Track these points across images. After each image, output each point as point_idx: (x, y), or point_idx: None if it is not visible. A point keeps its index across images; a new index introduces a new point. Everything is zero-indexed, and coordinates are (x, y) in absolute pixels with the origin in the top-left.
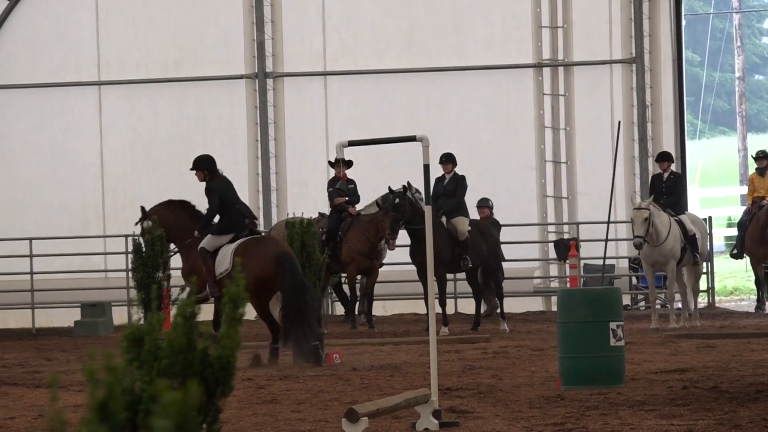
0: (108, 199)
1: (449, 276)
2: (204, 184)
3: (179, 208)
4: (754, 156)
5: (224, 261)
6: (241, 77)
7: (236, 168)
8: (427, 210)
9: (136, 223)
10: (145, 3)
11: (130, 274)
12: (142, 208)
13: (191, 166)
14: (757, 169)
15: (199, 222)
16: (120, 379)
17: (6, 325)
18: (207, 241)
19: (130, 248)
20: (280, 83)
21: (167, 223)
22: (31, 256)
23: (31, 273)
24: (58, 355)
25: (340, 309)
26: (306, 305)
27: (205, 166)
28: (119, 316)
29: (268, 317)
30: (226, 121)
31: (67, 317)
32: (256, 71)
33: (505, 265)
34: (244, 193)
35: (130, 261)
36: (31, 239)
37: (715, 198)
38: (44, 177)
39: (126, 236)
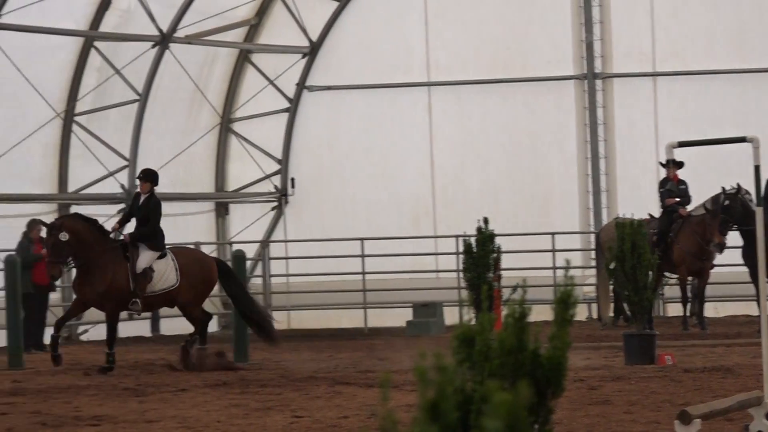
0: (438, 199)
1: None
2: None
3: (85, 221)
4: None
5: (167, 277)
6: (569, 78)
7: (565, 169)
8: (758, 212)
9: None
10: (474, 4)
11: (461, 275)
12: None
13: (141, 176)
14: None
15: (104, 235)
16: (451, 379)
17: (339, 324)
18: (147, 258)
19: (461, 248)
20: (609, 84)
21: (78, 235)
22: (363, 256)
23: (363, 273)
24: (391, 354)
25: (672, 310)
26: (250, 298)
27: (154, 179)
28: (451, 316)
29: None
30: (554, 122)
31: (399, 317)
32: (585, 72)
33: None
34: (573, 194)
35: (461, 261)
36: (363, 239)
37: None
38: (375, 177)
39: (457, 236)
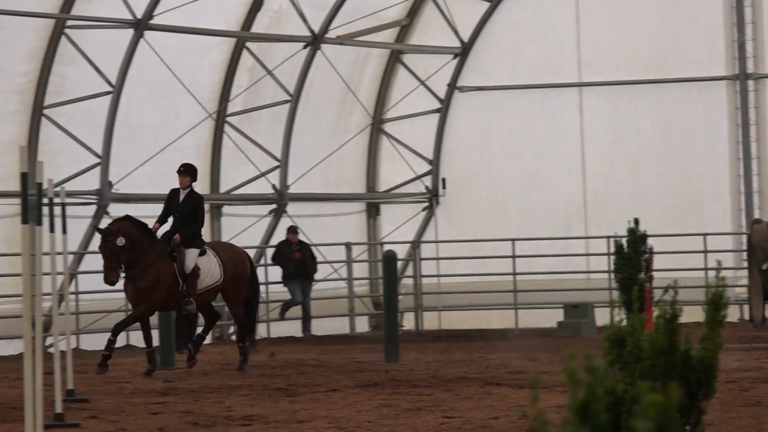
0: (589, 199)
1: None
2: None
3: (138, 224)
4: None
5: (212, 273)
6: (721, 79)
7: (717, 170)
8: None
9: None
10: (625, 4)
11: (612, 275)
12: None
13: (182, 170)
14: None
15: (154, 238)
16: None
17: (490, 325)
18: (193, 256)
19: (612, 249)
20: (762, 85)
21: (133, 239)
22: (513, 257)
23: (514, 274)
24: (542, 355)
25: None
26: (258, 299)
27: (194, 173)
28: (602, 317)
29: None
30: (705, 122)
31: (549, 318)
32: (737, 72)
33: None
34: (725, 195)
35: (611, 262)
36: (513, 240)
37: None
38: (526, 178)
39: (608, 237)
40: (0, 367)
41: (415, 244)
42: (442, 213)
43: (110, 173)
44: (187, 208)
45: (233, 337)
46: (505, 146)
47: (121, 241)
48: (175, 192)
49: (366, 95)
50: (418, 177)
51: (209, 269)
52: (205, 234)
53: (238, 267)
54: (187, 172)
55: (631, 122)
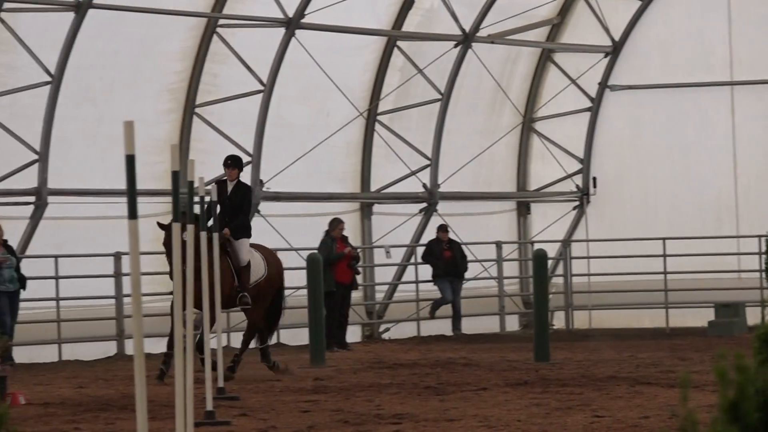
0: (741, 198)
1: None
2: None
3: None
4: None
5: (259, 267)
6: None
7: None
8: None
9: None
10: None
11: (763, 275)
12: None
13: (229, 162)
14: None
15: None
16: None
17: (640, 324)
18: (245, 250)
19: (764, 248)
20: None
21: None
22: (664, 255)
23: (665, 273)
24: (692, 354)
25: None
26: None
27: (242, 165)
28: (753, 316)
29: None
30: None
31: (700, 317)
32: None
33: None
34: None
35: (763, 261)
36: (664, 239)
37: None
38: (677, 176)
39: (759, 236)
40: (151, 364)
41: (566, 242)
42: (592, 212)
43: (261, 172)
44: (236, 200)
45: (384, 336)
46: (656, 145)
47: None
48: (222, 184)
49: (516, 94)
50: (569, 176)
51: (257, 264)
52: (356, 232)
53: (274, 268)
54: (235, 164)
55: None
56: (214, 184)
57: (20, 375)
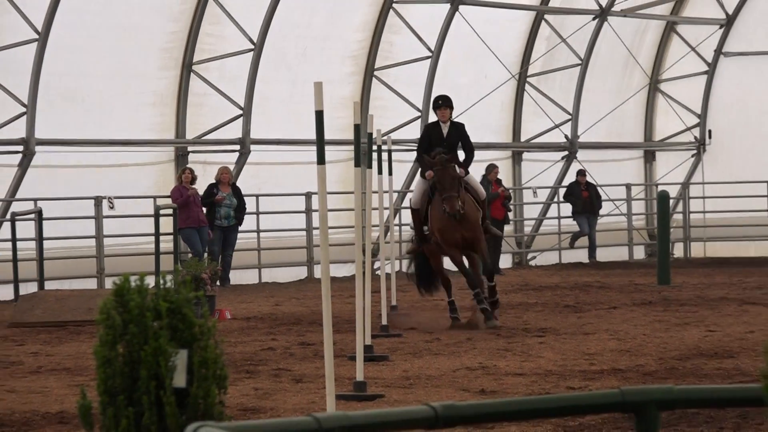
0: None
1: None
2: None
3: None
4: None
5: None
6: None
7: None
8: None
9: None
10: None
11: None
12: None
13: (440, 102)
14: None
15: None
16: None
17: (747, 254)
18: (478, 183)
19: None
20: None
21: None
22: None
23: None
24: None
25: None
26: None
27: (453, 105)
28: None
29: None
30: None
31: None
32: None
33: None
34: None
35: None
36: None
37: None
38: None
39: None
40: (335, 286)
41: (685, 185)
42: (707, 159)
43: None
44: (454, 139)
45: (531, 263)
46: (764, 104)
47: (460, 171)
48: (434, 126)
49: (644, 59)
50: (688, 129)
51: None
52: (508, 175)
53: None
54: (446, 104)
55: None
56: (425, 126)
57: (227, 294)
